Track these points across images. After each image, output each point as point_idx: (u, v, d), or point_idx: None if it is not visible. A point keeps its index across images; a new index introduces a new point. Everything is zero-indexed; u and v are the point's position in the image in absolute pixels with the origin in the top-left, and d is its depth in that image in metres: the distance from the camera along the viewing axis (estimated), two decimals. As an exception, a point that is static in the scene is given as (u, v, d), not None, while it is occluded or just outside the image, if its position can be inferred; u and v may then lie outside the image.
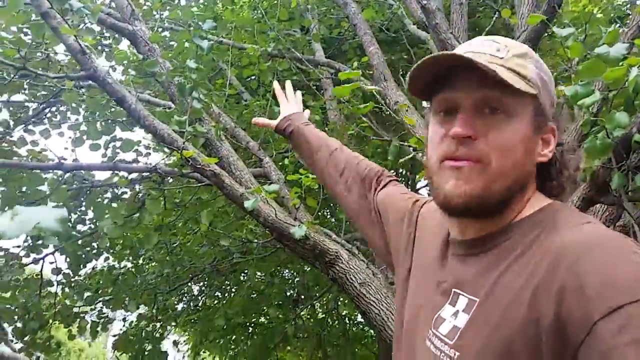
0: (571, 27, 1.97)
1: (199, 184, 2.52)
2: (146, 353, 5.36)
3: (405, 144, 2.51)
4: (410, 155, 2.41)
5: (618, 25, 4.10)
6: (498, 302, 0.69)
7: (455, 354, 0.71)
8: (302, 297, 6.16)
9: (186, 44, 2.74)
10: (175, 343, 6.98)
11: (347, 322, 7.11)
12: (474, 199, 0.72)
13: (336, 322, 6.81)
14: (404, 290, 0.93)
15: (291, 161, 4.03)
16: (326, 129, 4.36)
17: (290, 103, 1.42)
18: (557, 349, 0.61)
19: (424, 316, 0.81)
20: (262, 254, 4.35)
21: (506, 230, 0.75)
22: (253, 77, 4.45)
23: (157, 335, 5.48)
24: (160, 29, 4.08)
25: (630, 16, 2.50)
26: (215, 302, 6.11)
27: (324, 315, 7.01)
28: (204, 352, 7.33)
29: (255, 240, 3.70)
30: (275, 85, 1.48)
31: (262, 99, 4.31)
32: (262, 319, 6.50)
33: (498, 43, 0.77)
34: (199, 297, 6.13)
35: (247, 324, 6.32)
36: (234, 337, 6.62)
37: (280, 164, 4.10)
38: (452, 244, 0.84)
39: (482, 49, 0.76)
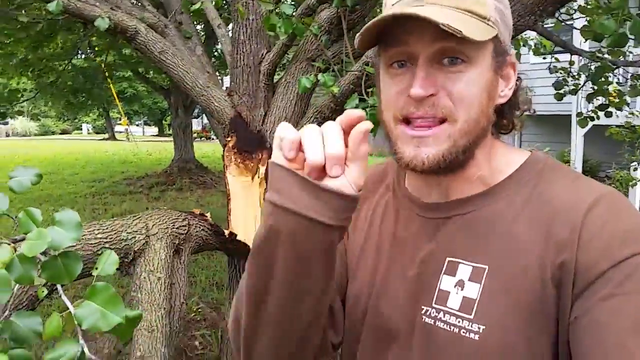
0: None
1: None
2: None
3: None
4: None
5: None
6: (513, 267, 0.66)
7: (480, 328, 0.66)
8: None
9: None
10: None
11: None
12: (439, 162, 0.66)
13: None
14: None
15: None
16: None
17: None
18: (567, 300, 0.63)
19: (407, 294, 0.74)
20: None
21: (491, 192, 0.72)
22: None
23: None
24: None
25: None
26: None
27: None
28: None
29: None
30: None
31: None
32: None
33: None
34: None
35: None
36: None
37: None
38: (420, 207, 0.77)
39: None
